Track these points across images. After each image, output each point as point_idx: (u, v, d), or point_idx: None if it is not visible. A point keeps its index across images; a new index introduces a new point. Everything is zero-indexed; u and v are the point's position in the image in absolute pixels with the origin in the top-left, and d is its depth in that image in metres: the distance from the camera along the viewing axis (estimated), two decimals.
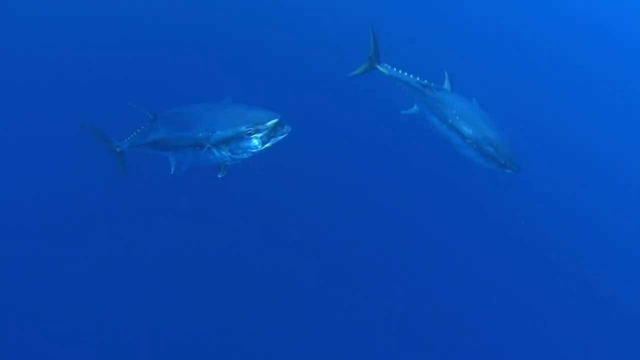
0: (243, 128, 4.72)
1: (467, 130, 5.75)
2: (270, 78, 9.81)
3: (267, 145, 4.82)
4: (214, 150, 4.88)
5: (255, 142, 4.77)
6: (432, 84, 5.95)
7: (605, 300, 10.56)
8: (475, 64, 10.89)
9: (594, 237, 10.95)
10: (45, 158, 9.09)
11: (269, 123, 4.69)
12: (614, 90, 13.48)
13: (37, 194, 8.87)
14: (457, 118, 5.82)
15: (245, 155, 4.95)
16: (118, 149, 5.76)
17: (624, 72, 13.78)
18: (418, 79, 5.99)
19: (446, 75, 5.96)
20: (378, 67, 6.05)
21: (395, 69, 6.06)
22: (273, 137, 4.79)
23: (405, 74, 6.04)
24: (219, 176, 5.17)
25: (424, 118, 6.23)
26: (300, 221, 9.39)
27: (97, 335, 8.31)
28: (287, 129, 4.78)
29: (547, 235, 10.47)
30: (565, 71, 13.43)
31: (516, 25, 13.28)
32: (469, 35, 12.28)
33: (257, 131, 4.72)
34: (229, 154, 4.89)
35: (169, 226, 8.93)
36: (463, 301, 9.52)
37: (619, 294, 10.58)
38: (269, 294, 8.77)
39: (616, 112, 13.12)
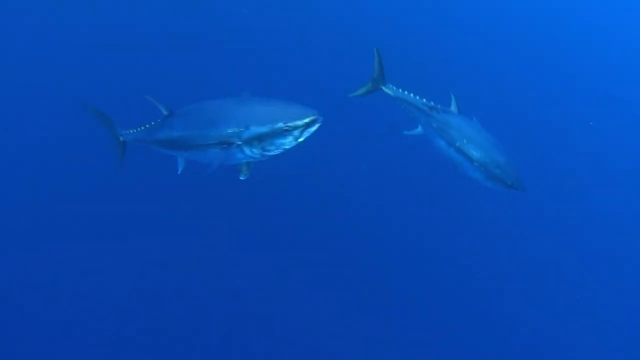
0: (280, 124, 4.38)
1: (475, 153, 5.71)
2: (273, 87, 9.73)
3: (300, 140, 4.50)
4: (245, 148, 4.51)
5: (290, 138, 4.45)
6: (439, 106, 5.81)
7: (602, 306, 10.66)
8: (477, 83, 10.93)
9: (592, 247, 11.04)
10: (53, 154, 9.07)
11: (307, 119, 4.39)
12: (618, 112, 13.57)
13: (49, 190, 8.87)
14: (465, 141, 5.72)
15: (275, 153, 4.60)
16: (121, 138, 5.36)
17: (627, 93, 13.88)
18: (424, 100, 5.84)
19: (452, 98, 5.84)
20: (383, 88, 5.86)
21: (400, 90, 5.90)
22: (306, 131, 4.47)
23: (412, 95, 5.87)
24: (241, 178, 4.83)
25: (428, 140, 6.12)
26: (301, 231, 9.34)
27: (105, 332, 8.28)
28: (319, 120, 4.46)
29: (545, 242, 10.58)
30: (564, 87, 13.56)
31: (518, 45, 13.35)
32: (470, 54, 12.30)
33: (295, 127, 4.40)
34: (260, 151, 4.55)
35: (167, 226, 8.89)
36: (461, 307, 9.61)
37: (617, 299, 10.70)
38: (271, 294, 8.83)
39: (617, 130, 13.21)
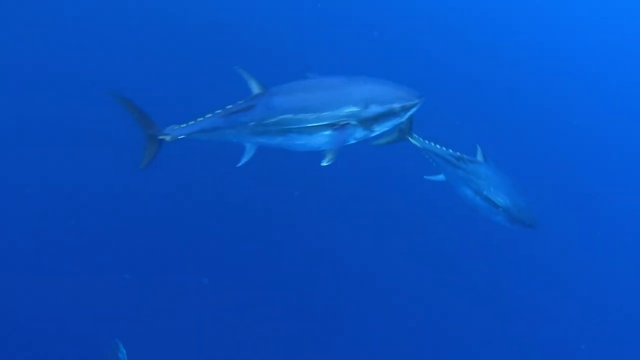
0: (397, 105, 4.24)
1: (500, 200, 5.82)
2: None
3: (401, 121, 4.40)
4: (359, 129, 4.22)
5: (396, 119, 4.31)
6: (465, 156, 5.84)
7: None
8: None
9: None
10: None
11: (417, 100, 4.29)
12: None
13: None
14: (492, 189, 5.77)
15: (375, 134, 4.41)
16: (163, 137, 4.49)
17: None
18: (451, 151, 5.86)
19: (478, 148, 5.87)
20: (410, 139, 5.87)
21: (427, 141, 5.91)
22: (408, 112, 4.36)
23: (437, 146, 5.89)
24: (323, 164, 4.30)
25: (451, 187, 6.15)
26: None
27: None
28: (421, 101, 4.31)
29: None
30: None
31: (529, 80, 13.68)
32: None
33: (408, 108, 4.28)
34: (367, 132, 4.31)
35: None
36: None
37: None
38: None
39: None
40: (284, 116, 4.22)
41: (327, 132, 4.20)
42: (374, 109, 4.19)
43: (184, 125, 4.48)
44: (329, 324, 9.22)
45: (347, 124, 4.16)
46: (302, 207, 9.66)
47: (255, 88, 4.34)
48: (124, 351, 6.14)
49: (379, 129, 4.30)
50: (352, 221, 9.90)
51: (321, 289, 9.34)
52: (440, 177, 6.12)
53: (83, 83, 9.58)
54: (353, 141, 4.33)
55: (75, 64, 10.16)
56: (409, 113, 4.37)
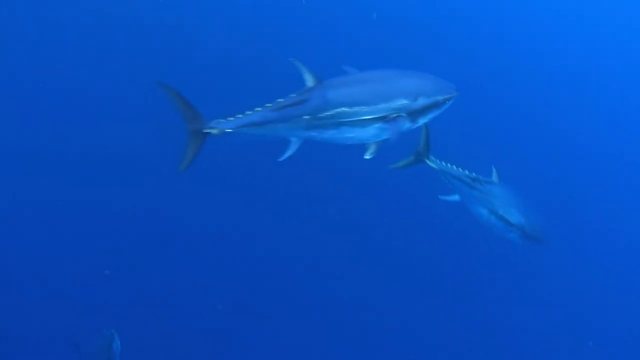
0: (440, 97, 4.34)
1: (514, 219, 5.99)
2: None
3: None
4: (407, 120, 4.28)
5: (438, 111, 4.38)
6: (481, 177, 6.04)
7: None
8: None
9: None
10: None
11: (455, 93, 4.39)
12: None
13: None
14: (506, 209, 5.96)
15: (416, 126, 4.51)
16: (209, 130, 4.28)
17: None
18: (467, 172, 6.06)
19: (494, 170, 6.09)
20: (427, 161, 6.06)
21: (444, 163, 6.11)
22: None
23: (454, 167, 6.09)
24: (366, 157, 4.40)
25: (466, 206, 6.34)
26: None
27: None
28: (457, 93, 4.42)
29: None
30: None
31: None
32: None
33: (449, 100, 4.38)
34: (412, 124, 4.37)
35: None
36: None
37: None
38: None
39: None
40: (339, 109, 4.23)
41: (378, 125, 4.26)
42: (422, 101, 4.29)
43: (232, 118, 4.33)
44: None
45: (399, 116, 4.24)
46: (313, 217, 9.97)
47: (309, 81, 4.31)
48: (119, 342, 5.84)
49: (421, 121, 4.40)
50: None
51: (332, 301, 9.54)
52: (455, 197, 6.31)
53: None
54: (399, 134, 4.33)
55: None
56: (447, 105, 4.46)
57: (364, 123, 4.24)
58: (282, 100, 4.30)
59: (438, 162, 6.09)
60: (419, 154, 6.03)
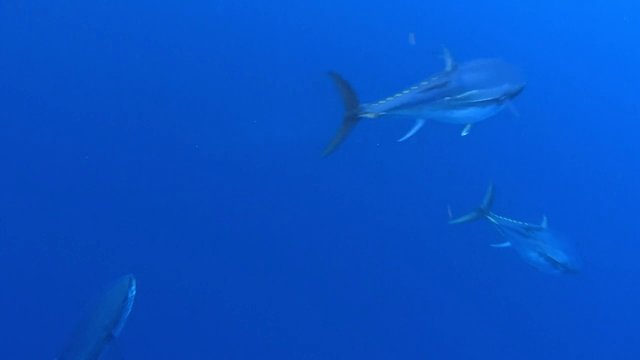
0: (524, 82, 5.05)
1: (560, 259, 6.89)
2: None
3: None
4: (503, 104, 4.94)
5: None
6: (533, 225, 7.00)
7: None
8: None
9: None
10: None
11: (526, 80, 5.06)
12: None
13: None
14: (554, 251, 6.98)
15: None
16: (365, 114, 4.50)
17: None
18: (521, 223, 6.96)
19: (544, 218, 7.02)
20: (489, 217, 6.93)
21: (502, 217, 6.98)
22: None
23: (511, 220, 6.98)
24: (464, 134, 5.03)
25: (516, 251, 7.22)
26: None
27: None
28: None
29: None
30: None
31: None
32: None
33: (525, 86, 5.06)
34: (498, 107, 5.01)
35: None
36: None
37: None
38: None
39: None
40: (472, 91, 4.81)
41: (492, 106, 4.94)
42: (517, 86, 5.03)
43: (383, 101, 4.60)
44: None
45: (505, 98, 4.94)
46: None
47: (449, 65, 4.83)
48: (134, 290, 5.17)
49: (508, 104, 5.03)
50: None
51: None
52: (506, 244, 7.15)
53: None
54: (514, 112, 4.99)
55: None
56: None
57: (484, 104, 4.90)
58: (425, 82, 4.74)
59: (499, 217, 6.91)
60: (481, 211, 6.73)
